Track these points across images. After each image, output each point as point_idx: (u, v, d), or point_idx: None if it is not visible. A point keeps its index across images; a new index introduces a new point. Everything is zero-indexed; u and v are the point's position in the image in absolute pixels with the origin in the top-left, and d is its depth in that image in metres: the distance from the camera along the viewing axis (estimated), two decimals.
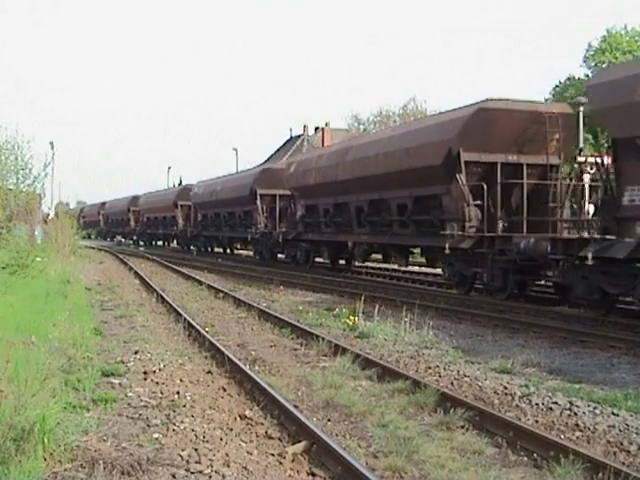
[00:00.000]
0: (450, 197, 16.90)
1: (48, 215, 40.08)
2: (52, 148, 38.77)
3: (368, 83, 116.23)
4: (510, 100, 16.76)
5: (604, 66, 36.81)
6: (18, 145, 28.02)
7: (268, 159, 59.35)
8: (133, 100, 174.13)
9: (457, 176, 16.12)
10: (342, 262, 26.69)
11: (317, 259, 27.04)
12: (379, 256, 24.63)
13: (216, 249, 42.05)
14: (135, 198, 58.83)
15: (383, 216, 20.44)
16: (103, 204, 71.63)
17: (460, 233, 16.29)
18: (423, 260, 22.92)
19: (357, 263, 25.36)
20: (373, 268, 25.64)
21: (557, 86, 41.31)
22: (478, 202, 16.17)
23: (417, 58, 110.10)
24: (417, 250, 22.90)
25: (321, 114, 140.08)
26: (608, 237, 12.26)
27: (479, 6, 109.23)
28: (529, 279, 16.18)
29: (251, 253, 38.06)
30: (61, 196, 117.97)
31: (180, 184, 61.98)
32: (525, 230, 16.16)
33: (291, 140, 66.20)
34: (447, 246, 16.58)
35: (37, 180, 28.98)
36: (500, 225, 16.45)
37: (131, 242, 60.02)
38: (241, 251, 40.61)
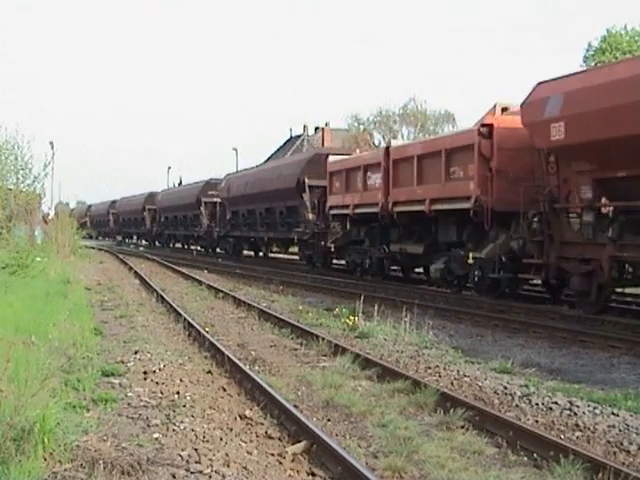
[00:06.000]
0: None
1: (48, 215, 40.06)
2: (52, 148, 38.66)
3: (368, 83, 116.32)
4: None
5: None
6: (18, 145, 28.01)
7: (268, 159, 59.33)
8: (133, 100, 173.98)
9: None
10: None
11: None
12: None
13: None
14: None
15: None
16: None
17: None
18: None
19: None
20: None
21: None
22: None
23: (417, 58, 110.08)
24: None
25: (321, 114, 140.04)
26: None
27: (479, 6, 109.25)
28: None
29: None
30: (61, 196, 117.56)
31: (180, 184, 61.64)
32: None
33: (291, 140, 66.24)
34: None
35: (37, 180, 28.94)
36: None
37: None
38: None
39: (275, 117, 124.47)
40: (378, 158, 20.87)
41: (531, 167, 14.57)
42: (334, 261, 26.11)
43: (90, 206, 78.64)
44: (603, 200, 13.20)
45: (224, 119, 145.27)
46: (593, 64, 39.27)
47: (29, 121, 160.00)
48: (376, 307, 13.01)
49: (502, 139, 15.67)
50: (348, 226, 23.46)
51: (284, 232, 29.09)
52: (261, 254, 36.19)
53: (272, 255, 36.06)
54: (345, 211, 23.05)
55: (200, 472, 5.17)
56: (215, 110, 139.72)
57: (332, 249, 24.26)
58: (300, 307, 15.29)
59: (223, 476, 5.13)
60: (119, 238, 64.34)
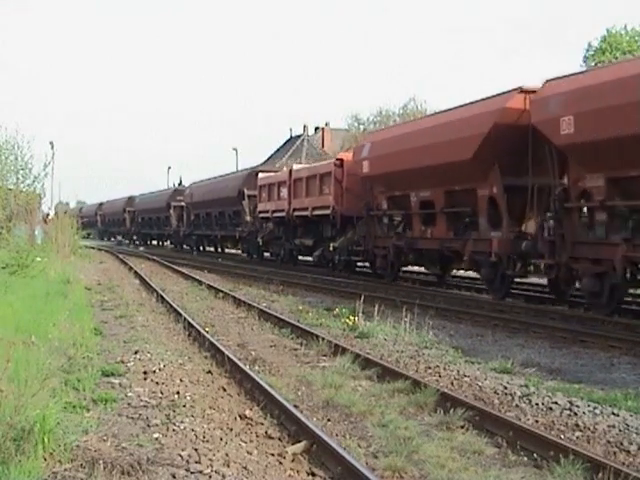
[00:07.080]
0: None
1: (48, 215, 40.04)
2: (52, 148, 38.65)
3: (368, 83, 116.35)
4: None
5: None
6: (18, 145, 28.11)
7: (268, 159, 59.30)
8: (133, 100, 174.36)
9: None
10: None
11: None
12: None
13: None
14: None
15: None
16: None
17: None
18: None
19: None
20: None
21: None
22: None
23: (417, 58, 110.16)
24: None
25: (321, 114, 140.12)
26: None
27: (479, 6, 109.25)
28: None
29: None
30: (61, 196, 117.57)
31: (180, 184, 62.51)
32: None
33: (291, 140, 66.10)
34: None
35: (37, 180, 29.04)
36: None
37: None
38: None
39: (275, 117, 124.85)
40: (285, 177, 28.63)
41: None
42: (265, 253, 33.32)
43: (82, 208, 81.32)
44: (394, 210, 20.49)
45: (224, 119, 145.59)
46: (593, 64, 39.33)
47: (29, 121, 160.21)
48: (376, 307, 12.99)
49: (349, 168, 23.28)
50: (271, 226, 30.36)
51: (231, 231, 36.17)
52: (219, 249, 43.37)
53: (228, 251, 42.35)
54: (267, 215, 30.20)
55: (200, 472, 5.17)
56: (215, 110, 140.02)
57: (261, 243, 31.70)
58: (300, 307, 15.29)
59: (223, 476, 5.13)
60: (119, 238, 66.05)
